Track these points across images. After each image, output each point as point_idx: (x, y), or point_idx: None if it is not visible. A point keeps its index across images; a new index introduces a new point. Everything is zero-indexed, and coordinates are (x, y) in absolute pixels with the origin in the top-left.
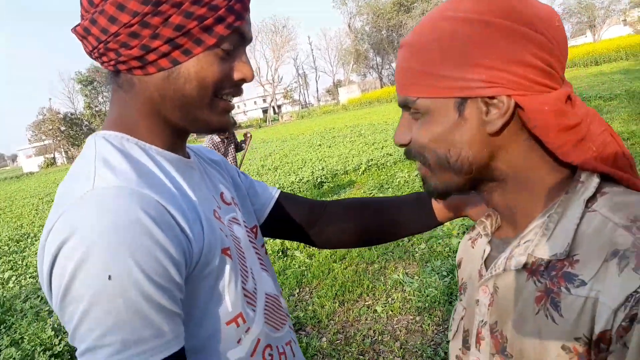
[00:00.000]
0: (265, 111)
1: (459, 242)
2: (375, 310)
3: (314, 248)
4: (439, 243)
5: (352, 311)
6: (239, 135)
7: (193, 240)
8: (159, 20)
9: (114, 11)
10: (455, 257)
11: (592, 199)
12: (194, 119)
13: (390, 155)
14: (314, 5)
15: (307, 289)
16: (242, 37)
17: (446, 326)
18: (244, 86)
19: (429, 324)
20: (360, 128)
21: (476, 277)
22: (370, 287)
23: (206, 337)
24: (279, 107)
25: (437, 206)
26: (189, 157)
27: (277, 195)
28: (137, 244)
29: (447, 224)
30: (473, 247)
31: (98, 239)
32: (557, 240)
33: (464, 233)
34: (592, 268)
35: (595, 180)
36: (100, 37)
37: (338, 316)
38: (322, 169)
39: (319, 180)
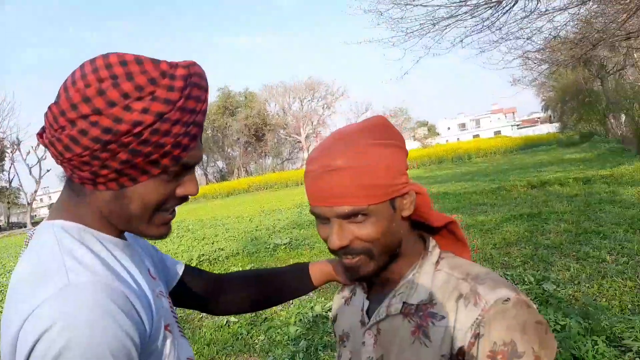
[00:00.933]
0: None
1: (297, 330)
2: None
3: None
4: (278, 332)
5: None
6: None
7: (146, 324)
8: (107, 155)
9: (69, 142)
10: (292, 345)
11: (436, 262)
12: (135, 230)
13: (222, 249)
14: None
15: None
16: (188, 164)
17: None
18: (51, 176)
19: None
20: (187, 223)
21: (358, 326)
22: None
23: None
24: None
25: (314, 274)
26: (124, 238)
27: (182, 270)
28: (111, 335)
29: (284, 312)
30: (348, 305)
31: (77, 333)
32: (421, 291)
33: (300, 320)
34: (448, 307)
35: (437, 250)
36: (57, 157)
37: None
38: None
39: None
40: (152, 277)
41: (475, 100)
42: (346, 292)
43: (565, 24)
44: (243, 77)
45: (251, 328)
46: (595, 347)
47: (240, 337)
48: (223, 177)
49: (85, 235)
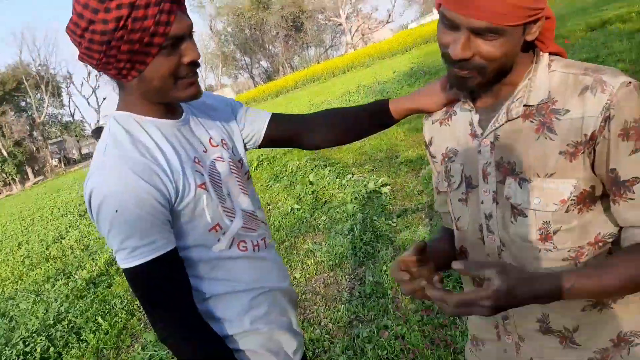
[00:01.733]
0: None
1: (354, 207)
2: (295, 277)
3: None
4: (337, 211)
5: None
6: None
7: (170, 185)
8: (114, 51)
9: (88, 52)
10: (350, 220)
11: (548, 65)
12: (169, 98)
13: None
14: None
15: None
16: (176, 37)
17: (355, 274)
18: (109, 104)
19: (341, 276)
20: None
21: (468, 139)
22: (285, 260)
23: (195, 238)
24: None
25: (395, 109)
26: (181, 116)
27: (269, 118)
28: (130, 193)
29: (341, 194)
30: (448, 125)
31: (108, 192)
32: (539, 92)
33: (355, 198)
34: (571, 101)
35: (546, 55)
36: (93, 65)
37: None
38: None
39: None
40: (213, 145)
41: None
42: (438, 116)
43: None
44: None
45: (314, 212)
46: None
47: (305, 221)
48: (269, 77)
49: (128, 120)
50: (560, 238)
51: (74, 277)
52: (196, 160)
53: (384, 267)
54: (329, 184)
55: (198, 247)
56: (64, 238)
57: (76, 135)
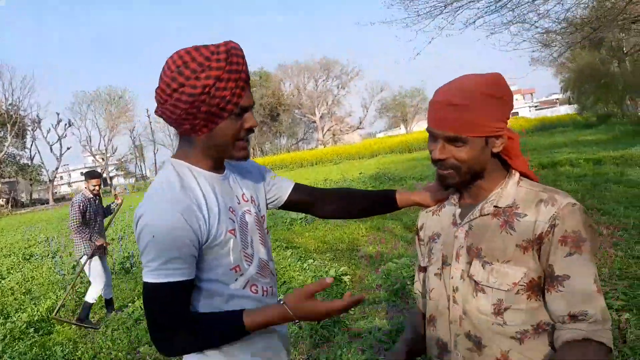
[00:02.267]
0: None
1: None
2: None
3: None
4: None
5: None
6: (108, 199)
7: (205, 228)
8: (195, 110)
9: (171, 108)
10: None
11: (517, 182)
12: (225, 155)
13: None
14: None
15: None
16: (243, 107)
17: (309, 355)
18: (70, 155)
19: (295, 355)
20: None
21: (450, 226)
22: None
23: (217, 273)
24: (111, 178)
25: (400, 199)
26: (223, 172)
27: (292, 186)
28: (168, 224)
29: (302, 276)
30: (438, 215)
31: (152, 219)
32: (507, 198)
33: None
34: (530, 209)
35: (517, 175)
36: (169, 120)
37: None
38: None
39: None
40: (244, 200)
41: None
42: (433, 208)
43: (575, 5)
44: (257, 57)
45: None
46: None
47: None
48: None
49: (182, 168)
50: (509, 316)
51: (13, 319)
52: (231, 209)
53: (339, 352)
54: (289, 265)
55: (218, 282)
56: (5, 279)
57: (30, 179)
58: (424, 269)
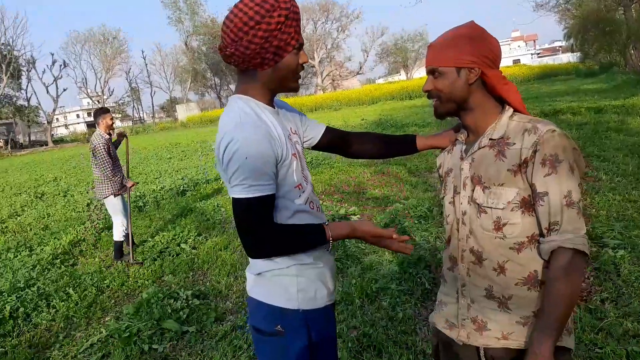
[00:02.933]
0: (90, 125)
1: None
2: None
3: (197, 241)
4: None
5: None
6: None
7: (278, 149)
8: (268, 44)
9: (248, 44)
10: None
11: (510, 116)
12: (285, 87)
13: None
14: (149, 20)
15: (200, 272)
16: (301, 44)
17: None
18: (67, 96)
19: None
20: (210, 144)
21: (459, 161)
22: None
23: (285, 191)
24: None
25: (419, 143)
26: (274, 108)
27: (324, 128)
28: (257, 147)
29: None
30: (449, 153)
31: (242, 143)
32: (500, 131)
33: (328, 220)
34: (517, 138)
35: (511, 110)
36: (238, 59)
37: (236, 287)
38: (182, 178)
39: (181, 188)
40: (293, 133)
41: (495, 26)
42: (448, 148)
43: None
44: None
45: None
46: None
47: None
48: None
49: (249, 102)
50: (508, 230)
51: (37, 251)
52: (289, 137)
53: (353, 281)
54: None
55: (285, 198)
56: (20, 215)
57: (28, 121)
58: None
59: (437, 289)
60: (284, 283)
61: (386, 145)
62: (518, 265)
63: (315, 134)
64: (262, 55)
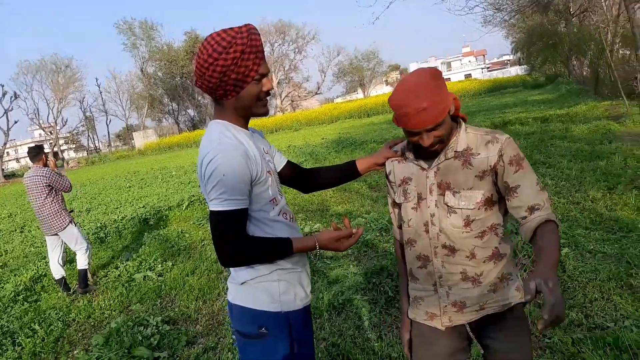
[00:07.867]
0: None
1: None
2: None
3: (162, 267)
4: None
5: (216, 304)
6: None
7: (254, 167)
8: (226, 79)
9: (209, 79)
10: None
11: (465, 129)
12: (253, 113)
13: None
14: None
15: (168, 298)
16: (262, 74)
17: None
18: (17, 129)
19: None
20: (168, 170)
21: (419, 170)
22: (225, 287)
23: (261, 204)
24: (62, 152)
25: (360, 167)
26: (249, 130)
27: (286, 161)
28: (236, 166)
29: None
30: (401, 163)
31: (222, 162)
32: (462, 144)
33: None
34: (481, 148)
35: (464, 125)
36: (208, 90)
37: (205, 310)
38: (144, 206)
39: (143, 217)
40: (265, 153)
41: (447, 43)
42: (396, 159)
43: None
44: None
45: None
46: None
47: None
48: (194, 125)
49: (227, 125)
50: (474, 225)
51: None
52: (263, 156)
53: (320, 295)
54: None
55: (262, 211)
56: None
57: None
58: (398, 205)
59: (399, 296)
60: (267, 288)
61: (334, 176)
62: (483, 248)
63: (278, 164)
64: (223, 87)
